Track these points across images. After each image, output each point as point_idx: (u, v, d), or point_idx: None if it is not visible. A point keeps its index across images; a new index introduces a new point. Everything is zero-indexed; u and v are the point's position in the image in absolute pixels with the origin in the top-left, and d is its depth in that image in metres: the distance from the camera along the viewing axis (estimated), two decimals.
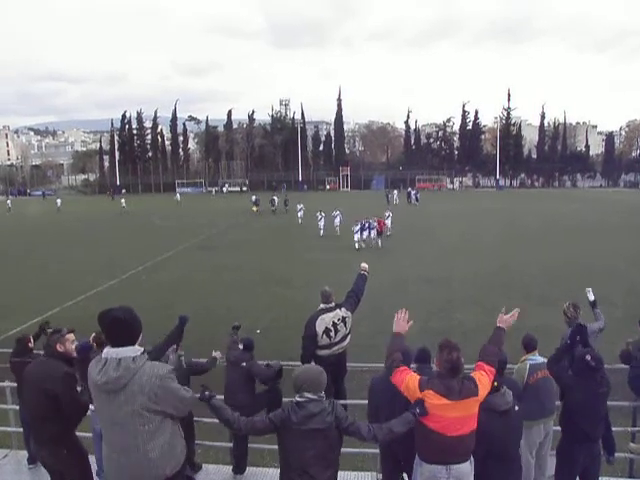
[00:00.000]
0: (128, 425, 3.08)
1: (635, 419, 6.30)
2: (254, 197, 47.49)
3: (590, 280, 16.97)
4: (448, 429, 3.82)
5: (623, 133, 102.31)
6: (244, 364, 6.02)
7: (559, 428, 5.06)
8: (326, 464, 3.59)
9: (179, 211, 49.35)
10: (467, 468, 3.95)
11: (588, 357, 4.68)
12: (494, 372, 4.00)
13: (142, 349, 3.23)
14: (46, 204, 61.50)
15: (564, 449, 4.91)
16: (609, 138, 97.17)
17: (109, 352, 3.15)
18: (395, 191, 57.49)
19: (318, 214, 30.70)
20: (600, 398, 4.76)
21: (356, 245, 25.05)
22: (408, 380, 3.95)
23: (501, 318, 4.28)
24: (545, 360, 5.22)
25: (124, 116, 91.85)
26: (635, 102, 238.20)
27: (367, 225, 25.65)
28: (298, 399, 3.61)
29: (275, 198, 47.00)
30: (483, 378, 3.93)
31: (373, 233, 25.78)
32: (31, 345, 5.79)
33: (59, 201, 55.69)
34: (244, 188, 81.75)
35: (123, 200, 52.00)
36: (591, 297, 6.39)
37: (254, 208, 44.53)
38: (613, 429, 5.47)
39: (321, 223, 30.35)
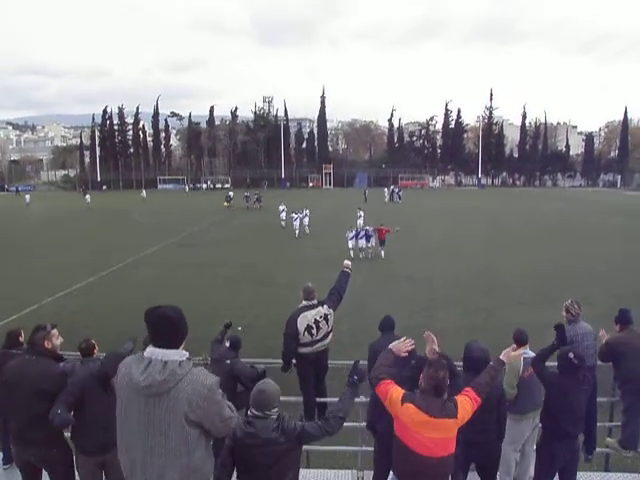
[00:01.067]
0: (166, 432, 2.89)
1: (612, 415, 6.39)
2: (231, 193, 49.92)
3: (570, 281, 17.43)
4: (424, 449, 3.76)
5: (602, 134, 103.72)
6: (228, 361, 5.91)
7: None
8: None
9: (144, 208, 48.36)
10: None
11: (571, 355, 4.73)
12: (479, 402, 3.92)
13: (188, 354, 3.05)
14: (18, 200, 60.44)
15: (544, 446, 4.95)
16: (589, 138, 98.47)
17: (154, 352, 2.95)
18: (385, 189, 57.58)
19: (294, 214, 30.23)
20: (582, 395, 4.79)
21: (351, 253, 22.23)
22: (392, 392, 3.89)
23: (507, 354, 4.29)
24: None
25: (105, 111, 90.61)
26: (614, 103, 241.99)
27: (363, 233, 23.16)
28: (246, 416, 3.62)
29: (248, 194, 48.12)
30: (466, 403, 3.86)
31: (372, 242, 23.28)
32: (22, 339, 5.52)
33: (28, 197, 54.80)
34: (226, 185, 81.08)
35: (88, 197, 51.25)
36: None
37: (225, 203, 46.37)
38: None
39: (296, 223, 29.76)
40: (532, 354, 5.38)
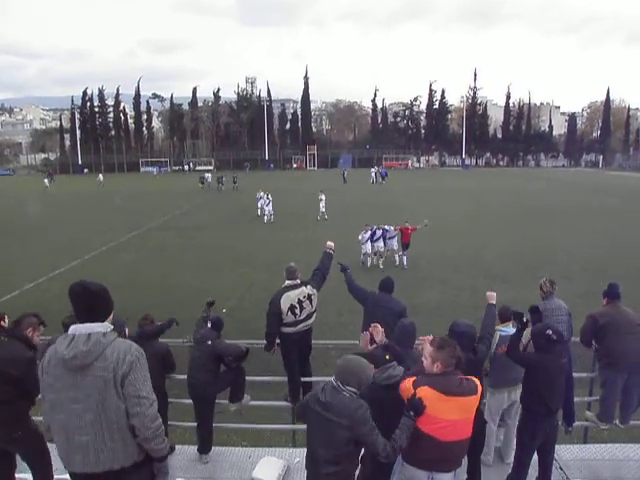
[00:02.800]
0: (94, 403, 2.87)
1: (591, 389, 6.52)
2: (207, 175, 51.57)
3: (552, 259, 17.67)
4: (443, 434, 3.60)
5: (585, 114, 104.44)
6: (209, 342, 5.89)
7: None
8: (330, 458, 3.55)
9: (100, 192, 47.50)
10: (450, 478, 3.82)
11: (549, 331, 4.75)
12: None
13: (112, 326, 3.05)
14: None
15: (526, 423, 4.99)
16: (571, 119, 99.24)
17: (77, 328, 2.96)
18: (371, 170, 57.46)
19: (263, 194, 29.28)
20: (561, 370, 4.85)
21: (368, 260, 18.18)
22: (406, 381, 3.75)
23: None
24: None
25: (85, 93, 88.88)
26: (596, 84, 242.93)
27: (380, 233, 18.16)
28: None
29: (223, 177, 48.60)
30: (478, 381, 3.80)
31: (390, 244, 18.43)
32: (4, 323, 5.45)
33: None
34: (209, 167, 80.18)
35: (46, 180, 50.67)
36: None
37: (200, 185, 47.63)
38: None
39: (268, 208, 28.40)
40: (510, 331, 5.40)
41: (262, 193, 29.71)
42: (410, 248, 17.98)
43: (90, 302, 3.00)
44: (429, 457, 3.68)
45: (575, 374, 5.99)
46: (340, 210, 30.50)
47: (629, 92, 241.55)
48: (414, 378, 3.73)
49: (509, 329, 5.53)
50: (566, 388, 5.42)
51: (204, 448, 5.85)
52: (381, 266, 17.60)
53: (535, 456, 5.03)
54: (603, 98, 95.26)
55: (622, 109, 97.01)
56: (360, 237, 18.18)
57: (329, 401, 3.54)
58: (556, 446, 5.39)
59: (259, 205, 29.80)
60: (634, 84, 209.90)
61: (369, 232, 18.16)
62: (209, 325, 6.15)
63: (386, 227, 18.44)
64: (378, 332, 4.46)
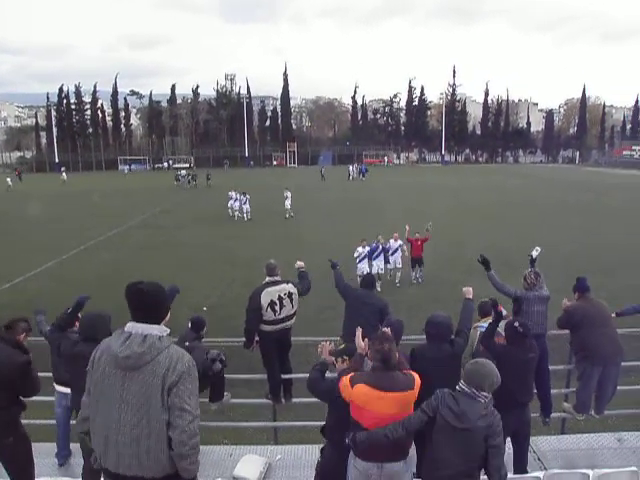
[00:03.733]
0: (141, 409, 2.84)
1: (569, 381, 6.64)
2: (184, 172, 52.81)
3: (527, 253, 17.81)
4: (380, 424, 3.71)
5: (562, 111, 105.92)
6: (186, 343, 5.64)
7: None
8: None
9: (64, 190, 47.04)
10: (400, 468, 3.91)
11: (516, 324, 4.89)
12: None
13: (169, 330, 3.02)
14: None
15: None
16: (549, 115, 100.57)
17: (134, 327, 2.94)
18: (350, 167, 57.58)
19: (243, 197, 28.56)
20: (529, 364, 4.93)
21: (377, 283, 13.07)
22: (344, 379, 3.85)
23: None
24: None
25: (61, 90, 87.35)
26: (573, 81, 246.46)
27: (380, 250, 15.08)
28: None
29: (196, 175, 50.30)
30: (417, 377, 3.88)
31: (395, 261, 15.42)
32: None
33: None
34: (190, 164, 79.45)
35: (9, 179, 49.83)
36: (534, 254, 6.65)
37: (175, 182, 48.72)
38: None
39: (236, 205, 28.34)
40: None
41: (233, 193, 28.88)
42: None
43: (146, 303, 2.97)
44: (375, 449, 3.76)
45: (552, 367, 6.09)
46: (319, 207, 30.54)
47: (604, 89, 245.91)
48: (351, 375, 3.83)
49: (487, 324, 5.58)
50: (542, 380, 5.52)
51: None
52: (379, 289, 13.37)
53: (510, 447, 5.11)
54: (579, 95, 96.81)
55: (598, 106, 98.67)
56: (356, 254, 14.76)
57: (464, 409, 3.48)
58: (534, 437, 5.49)
59: (229, 205, 28.91)
60: (609, 82, 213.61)
61: (367, 248, 14.89)
62: (189, 325, 6.05)
63: (389, 242, 15.40)
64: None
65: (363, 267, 14.54)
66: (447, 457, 3.59)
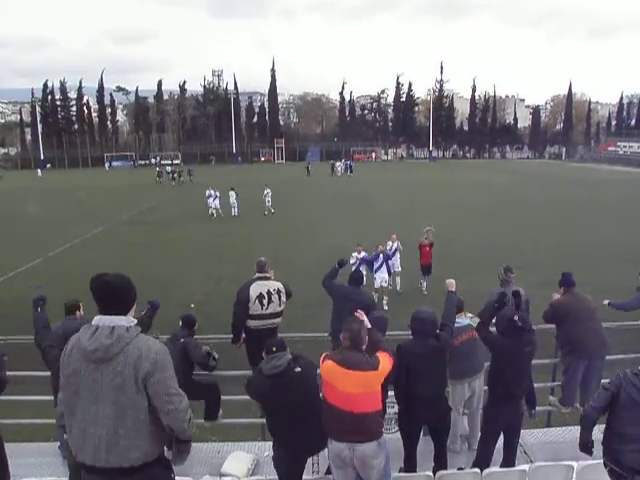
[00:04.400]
0: (115, 400, 2.85)
1: (554, 375, 6.72)
2: (169, 168, 53.83)
3: (517, 249, 18.01)
4: (348, 404, 3.89)
5: (548, 107, 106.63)
6: (182, 340, 5.85)
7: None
8: None
9: (40, 187, 46.50)
10: (373, 449, 4.00)
11: (515, 317, 4.87)
12: (392, 362, 4.17)
13: (136, 320, 3.04)
14: None
15: (490, 408, 5.12)
16: (535, 111, 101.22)
17: (101, 319, 2.94)
18: (338, 163, 57.42)
19: (213, 192, 28.04)
20: (525, 357, 4.96)
21: (383, 301, 12.80)
22: (322, 356, 4.16)
23: None
24: (470, 322, 5.55)
25: (46, 86, 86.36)
26: (559, 78, 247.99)
27: (382, 260, 12.94)
28: None
29: (182, 170, 50.71)
30: (386, 359, 4.07)
31: (391, 264, 13.43)
32: None
33: None
34: (176, 161, 78.88)
35: None
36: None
37: (157, 179, 48.68)
38: (535, 385, 5.76)
39: (216, 202, 27.72)
40: (467, 321, 5.63)
41: (211, 190, 28.08)
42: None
43: (112, 295, 2.98)
44: (341, 428, 3.96)
45: (538, 361, 6.13)
46: (307, 203, 30.50)
47: (590, 86, 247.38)
48: (326, 353, 4.19)
49: (462, 320, 5.67)
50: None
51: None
52: (385, 307, 12.40)
53: (501, 441, 5.15)
54: (566, 92, 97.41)
55: (583, 103, 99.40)
56: (352, 260, 12.86)
57: None
58: (521, 430, 5.52)
59: (208, 203, 28.15)
60: (595, 78, 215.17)
61: (362, 254, 13.26)
62: (180, 323, 6.11)
63: (391, 247, 13.66)
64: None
65: (382, 277, 13.00)
66: (634, 432, 3.85)
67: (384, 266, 12.89)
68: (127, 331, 2.92)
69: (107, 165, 76.05)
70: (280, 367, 4.20)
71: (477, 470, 4.89)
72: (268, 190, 28.06)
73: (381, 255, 12.88)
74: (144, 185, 46.12)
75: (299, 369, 4.26)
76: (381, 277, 12.88)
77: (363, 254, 13.30)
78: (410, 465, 5.09)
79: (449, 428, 5.22)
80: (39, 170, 55.90)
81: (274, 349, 4.28)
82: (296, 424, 4.22)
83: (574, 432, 5.89)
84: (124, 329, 2.91)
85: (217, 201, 27.73)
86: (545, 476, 4.85)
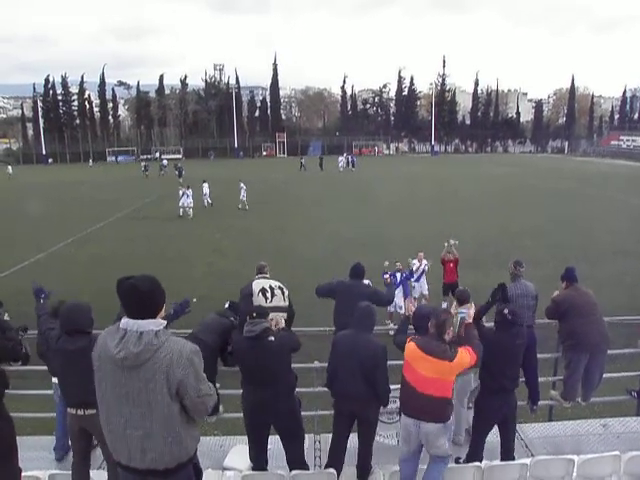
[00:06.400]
0: (146, 404, 2.85)
1: (556, 370, 6.74)
2: (165, 162, 55.11)
3: (519, 243, 18.01)
4: (419, 385, 4.29)
5: (551, 101, 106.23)
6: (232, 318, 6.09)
7: None
8: None
9: (9, 185, 45.23)
10: (436, 429, 4.35)
11: (506, 311, 4.99)
12: (475, 359, 4.43)
13: (165, 323, 2.97)
14: None
15: (481, 399, 5.19)
16: (538, 105, 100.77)
17: (128, 323, 2.87)
18: (340, 158, 57.05)
19: (184, 190, 26.33)
20: (516, 350, 5.01)
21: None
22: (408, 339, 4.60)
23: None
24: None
25: (47, 81, 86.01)
26: (562, 72, 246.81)
27: (401, 278, 10.99)
28: None
29: (165, 164, 53.13)
30: (466, 355, 4.34)
31: (419, 287, 11.65)
32: None
33: None
34: (177, 155, 78.53)
35: None
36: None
37: (144, 173, 49.25)
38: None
39: (187, 200, 26.04)
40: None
41: (184, 189, 26.46)
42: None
43: (138, 299, 2.90)
44: (411, 404, 4.41)
45: (540, 355, 6.16)
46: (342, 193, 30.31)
47: (593, 80, 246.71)
48: (412, 337, 4.62)
49: (465, 311, 5.70)
50: (531, 369, 5.60)
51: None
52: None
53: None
54: (568, 85, 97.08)
55: (586, 96, 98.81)
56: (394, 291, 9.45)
57: None
58: (522, 425, 5.56)
59: (180, 203, 26.25)
60: (598, 72, 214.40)
61: (397, 278, 10.71)
62: (227, 306, 6.39)
63: (412, 265, 11.45)
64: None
65: (398, 304, 10.53)
66: None
67: (401, 288, 10.75)
68: (156, 336, 2.86)
69: (91, 162, 72.82)
70: (254, 332, 4.72)
71: (478, 463, 4.92)
72: (243, 185, 28.22)
73: (398, 275, 10.73)
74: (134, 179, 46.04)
75: (272, 338, 4.73)
76: (396, 304, 10.33)
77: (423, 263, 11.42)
78: (475, 455, 5.14)
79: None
80: (9, 167, 53.39)
81: (254, 315, 4.81)
82: (260, 385, 4.79)
83: (575, 426, 5.94)
84: (153, 334, 2.85)
85: (189, 199, 26.10)
86: (546, 470, 4.89)
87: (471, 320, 5.19)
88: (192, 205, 26.37)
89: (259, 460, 5.09)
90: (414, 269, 11.42)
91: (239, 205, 28.13)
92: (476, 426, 5.27)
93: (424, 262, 11.58)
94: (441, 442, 4.39)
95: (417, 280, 11.42)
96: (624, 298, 11.61)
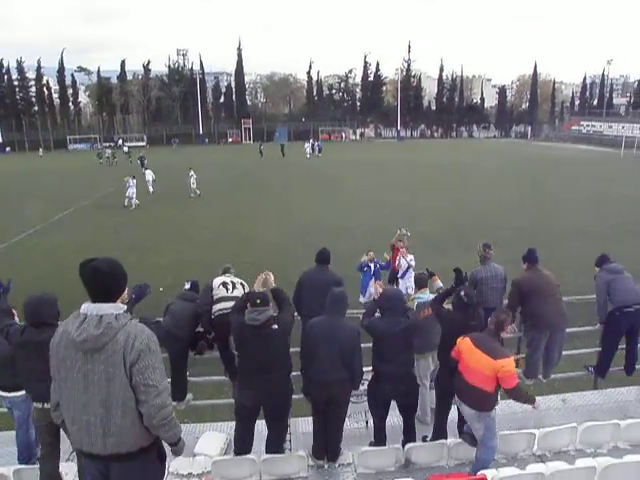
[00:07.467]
0: (106, 388, 2.84)
1: (519, 349, 7.05)
2: (109, 150, 54.82)
3: (482, 225, 18.35)
4: (466, 373, 4.66)
5: (514, 87, 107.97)
6: (198, 300, 6.07)
7: None
8: None
9: None
10: (471, 415, 4.74)
11: (462, 293, 5.17)
12: (516, 380, 4.60)
13: (125, 307, 2.98)
14: None
15: (441, 379, 5.33)
16: (502, 91, 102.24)
17: (89, 307, 2.88)
18: (307, 144, 56.58)
19: (131, 181, 25.55)
20: (471, 330, 5.15)
21: None
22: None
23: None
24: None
25: (1, 65, 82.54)
26: (524, 58, 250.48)
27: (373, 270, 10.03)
28: None
29: (126, 150, 54.66)
30: (512, 365, 4.58)
31: (405, 287, 9.82)
32: None
33: None
34: (141, 143, 77.13)
35: None
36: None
37: (99, 160, 49.80)
38: None
39: (130, 190, 25.20)
40: (426, 298, 5.91)
41: (129, 178, 25.58)
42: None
43: (100, 281, 2.91)
44: (459, 388, 4.80)
45: (503, 335, 6.34)
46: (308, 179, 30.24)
47: (555, 66, 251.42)
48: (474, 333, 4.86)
49: (425, 295, 6.03)
50: None
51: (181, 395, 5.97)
52: None
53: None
54: (531, 72, 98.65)
55: (548, 82, 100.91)
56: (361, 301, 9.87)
57: None
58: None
59: (127, 194, 25.28)
60: (559, 59, 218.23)
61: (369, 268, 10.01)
62: (189, 287, 6.36)
63: (404, 264, 10.16)
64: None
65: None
66: None
67: (373, 280, 9.58)
68: (116, 319, 2.87)
69: (41, 151, 67.94)
70: (259, 321, 4.64)
71: (444, 441, 5.08)
72: (192, 172, 27.85)
73: (372, 265, 9.97)
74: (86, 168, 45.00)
75: (276, 326, 4.70)
76: (370, 292, 9.54)
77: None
78: (379, 439, 5.25)
79: (416, 404, 5.40)
80: None
81: (258, 302, 4.70)
82: (261, 371, 4.71)
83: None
84: (112, 317, 2.87)
85: (132, 189, 25.37)
86: (509, 444, 5.08)
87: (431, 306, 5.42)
88: (135, 195, 25.42)
89: (246, 444, 5.08)
90: (397, 264, 10.30)
91: (191, 194, 27.56)
92: (439, 406, 5.43)
93: (410, 257, 10.17)
94: (476, 427, 4.72)
95: (403, 276, 10.13)
96: (584, 278, 11.96)
